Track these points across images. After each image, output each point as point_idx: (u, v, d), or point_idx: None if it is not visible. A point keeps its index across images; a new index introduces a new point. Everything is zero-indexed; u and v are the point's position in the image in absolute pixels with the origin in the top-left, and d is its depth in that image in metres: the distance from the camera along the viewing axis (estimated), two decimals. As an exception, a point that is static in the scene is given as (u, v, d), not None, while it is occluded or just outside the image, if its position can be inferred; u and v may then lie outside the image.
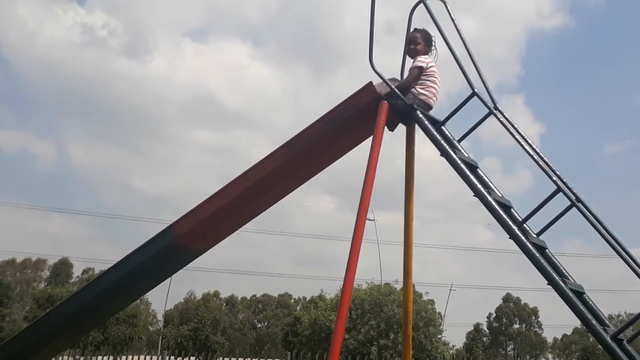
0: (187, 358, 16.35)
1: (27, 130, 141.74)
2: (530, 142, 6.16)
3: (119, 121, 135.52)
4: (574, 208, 5.61)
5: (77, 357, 17.32)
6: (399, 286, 16.82)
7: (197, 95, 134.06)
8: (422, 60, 6.68)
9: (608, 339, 5.05)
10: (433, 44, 6.86)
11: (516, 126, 6.26)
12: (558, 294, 5.24)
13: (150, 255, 7.25)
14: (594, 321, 5.18)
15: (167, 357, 15.71)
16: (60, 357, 16.26)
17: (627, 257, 5.57)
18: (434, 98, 6.68)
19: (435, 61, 6.81)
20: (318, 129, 6.69)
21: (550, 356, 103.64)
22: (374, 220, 60.44)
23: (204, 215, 7.06)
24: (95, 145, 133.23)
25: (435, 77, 6.71)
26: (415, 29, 6.92)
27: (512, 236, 5.53)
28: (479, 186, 5.86)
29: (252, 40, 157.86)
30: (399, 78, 6.85)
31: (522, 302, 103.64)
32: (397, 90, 6.33)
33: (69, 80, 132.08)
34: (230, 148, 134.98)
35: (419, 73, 6.61)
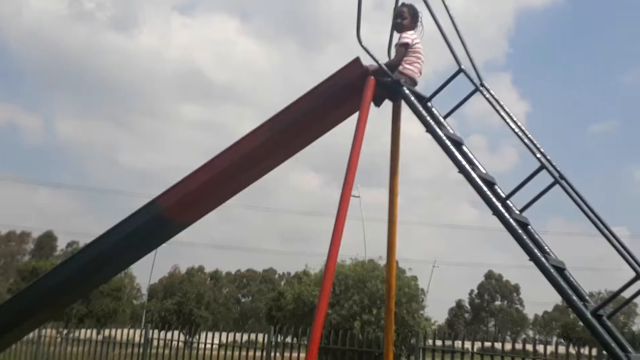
0: (171, 332, 16.35)
1: (13, 103, 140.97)
2: (515, 119, 6.19)
3: (107, 95, 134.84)
4: (558, 185, 5.65)
5: (61, 329, 17.33)
6: (382, 262, 16.87)
7: (185, 70, 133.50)
8: (408, 37, 6.68)
9: (588, 314, 5.11)
10: (419, 19, 6.85)
11: (502, 104, 6.29)
12: (539, 269, 5.29)
13: (135, 228, 7.26)
14: (574, 297, 5.23)
15: (151, 331, 15.74)
16: (44, 330, 16.28)
17: (610, 235, 5.62)
18: (419, 74, 6.69)
19: (421, 37, 6.81)
20: (304, 104, 6.69)
21: (531, 332, 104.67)
22: (359, 196, 60.66)
23: (189, 189, 7.07)
24: (82, 119, 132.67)
25: (420, 53, 6.72)
26: (403, 4, 6.92)
27: (495, 212, 5.56)
28: (464, 162, 5.88)
29: (240, 15, 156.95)
30: (387, 54, 6.85)
31: (504, 279, 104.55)
32: (384, 66, 6.32)
33: (57, 53, 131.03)
34: (218, 123, 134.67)
35: (405, 50, 6.62)
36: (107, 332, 18.31)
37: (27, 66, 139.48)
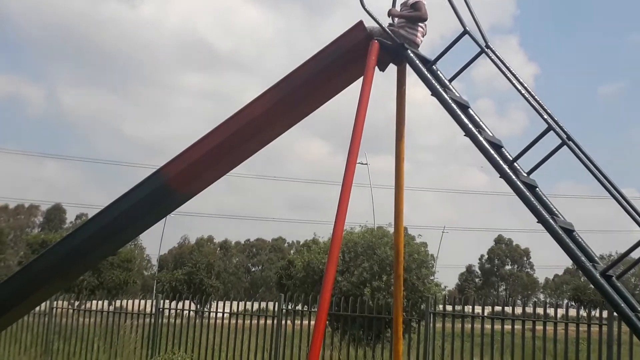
0: (182, 301, 16.43)
1: (16, 75, 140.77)
2: (521, 80, 6.11)
3: (110, 65, 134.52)
4: (566, 147, 5.59)
5: (72, 301, 17.44)
6: (392, 229, 16.90)
7: (188, 39, 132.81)
8: None
9: (597, 275, 5.08)
10: None
11: (508, 65, 6.20)
12: (547, 231, 5.25)
13: (141, 199, 7.24)
14: (583, 258, 5.20)
15: (162, 301, 15.81)
16: (55, 301, 16.37)
17: (619, 196, 5.57)
18: (421, 37, 6.60)
19: None
20: (308, 69, 6.62)
21: (541, 296, 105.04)
22: (366, 164, 60.52)
23: (193, 158, 7.03)
24: (86, 90, 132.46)
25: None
26: None
27: (503, 175, 5.52)
28: (470, 125, 5.82)
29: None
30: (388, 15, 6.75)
31: (514, 244, 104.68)
32: (387, 29, 6.24)
33: (59, 24, 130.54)
34: (223, 92, 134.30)
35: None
36: (118, 303, 18.43)
37: (29, 37, 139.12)
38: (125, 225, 7.61)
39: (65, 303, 16.84)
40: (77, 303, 17.32)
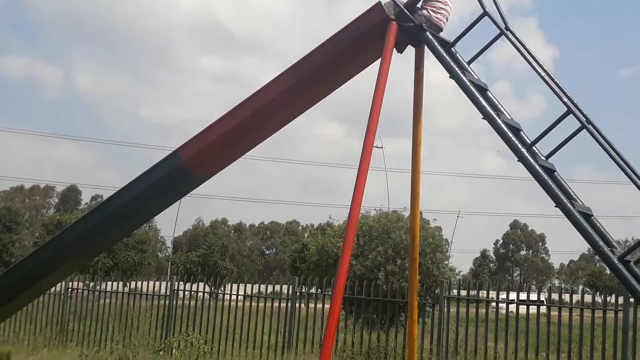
0: (196, 283, 16.50)
1: (32, 57, 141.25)
2: (541, 63, 6.03)
3: (126, 47, 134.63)
4: (585, 130, 5.52)
5: (87, 282, 17.55)
6: (407, 213, 16.83)
7: (204, 21, 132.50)
8: None
9: (615, 260, 5.03)
10: None
11: (527, 48, 6.12)
12: (565, 215, 5.20)
13: (157, 180, 7.24)
14: (600, 242, 5.14)
15: (177, 282, 15.88)
16: (71, 282, 16.49)
17: (638, 180, 5.50)
18: (445, 20, 6.52)
19: None
20: (326, 51, 6.57)
21: (556, 281, 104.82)
22: (382, 147, 60.44)
23: (209, 140, 7.01)
24: (102, 72, 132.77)
25: None
26: None
27: (521, 158, 5.47)
28: (488, 108, 5.77)
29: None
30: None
31: (530, 229, 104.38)
32: (406, 10, 6.18)
33: (74, 4, 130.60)
34: (239, 75, 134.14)
35: None
36: (133, 284, 18.52)
37: (44, 18, 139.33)
38: (142, 207, 7.62)
39: (81, 284, 16.96)
40: (92, 284, 17.43)
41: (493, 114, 5.73)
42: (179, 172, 7.20)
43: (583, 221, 5.18)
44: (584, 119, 5.60)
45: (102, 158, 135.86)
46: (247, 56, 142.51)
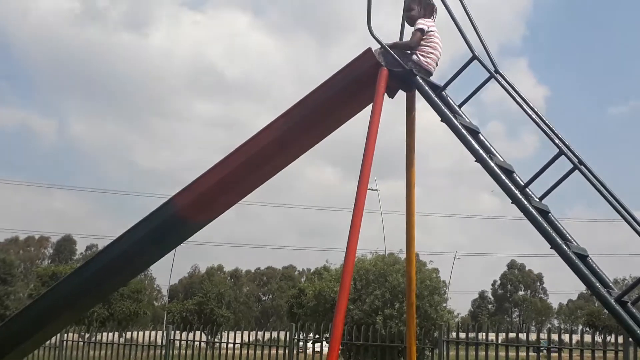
0: (193, 332, 16.37)
1: (27, 107, 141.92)
2: (531, 105, 6.09)
3: (120, 96, 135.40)
4: (577, 171, 5.55)
5: (83, 333, 17.39)
6: (403, 256, 16.80)
7: (198, 68, 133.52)
8: (423, 23, 6.55)
9: (612, 301, 5.01)
10: (433, 8, 6.73)
11: (517, 90, 6.19)
12: (561, 257, 5.20)
13: (152, 229, 7.23)
14: (597, 284, 5.14)
15: (173, 332, 15.75)
16: (66, 334, 16.33)
17: (632, 219, 5.52)
18: (434, 64, 6.58)
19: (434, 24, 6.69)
20: (317, 97, 6.62)
21: (555, 322, 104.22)
22: (376, 190, 60.51)
23: (204, 187, 7.02)
24: (96, 120, 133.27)
25: (436, 43, 6.59)
26: None
27: (515, 200, 5.48)
28: (481, 151, 5.80)
29: (253, 10, 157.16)
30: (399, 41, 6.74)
31: (527, 269, 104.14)
32: (396, 56, 6.24)
33: (69, 55, 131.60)
34: (233, 120, 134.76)
35: (421, 36, 6.50)
36: (129, 334, 18.36)
37: (39, 68, 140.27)
38: (137, 256, 7.59)
39: (76, 335, 16.80)
40: (87, 335, 17.27)
41: (485, 156, 5.75)
42: (175, 220, 7.19)
43: (579, 263, 5.17)
44: (576, 160, 5.63)
45: (96, 207, 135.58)
46: (241, 101, 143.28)
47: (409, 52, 6.48)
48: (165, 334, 15.60)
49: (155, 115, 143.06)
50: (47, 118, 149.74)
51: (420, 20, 6.58)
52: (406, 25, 6.84)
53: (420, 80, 6.21)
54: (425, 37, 6.51)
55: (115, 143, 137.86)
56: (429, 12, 6.73)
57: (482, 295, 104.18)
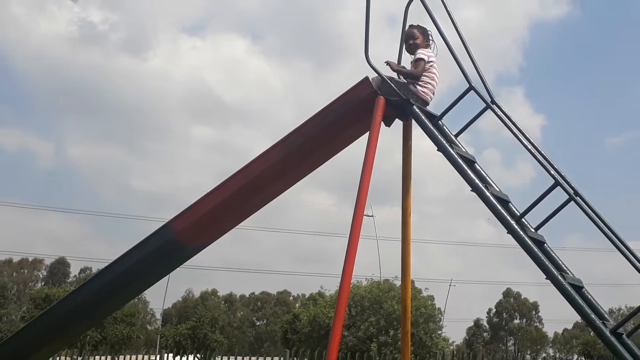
0: (186, 356, 16.31)
1: (24, 129, 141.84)
2: (527, 135, 6.13)
3: (117, 119, 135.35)
4: (573, 202, 5.58)
5: (75, 357, 17.29)
6: (398, 282, 16.82)
7: (196, 92, 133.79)
8: (424, 53, 6.61)
9: (607, 333, 5.02)
10: (431, 37, 6.80)
11: (514, 120, 6.23)
12: (556, 288, 5.22)
13: (148, 253, 7.21)
14: (593, 315, 5.15)
15: (166, 356, 15.69)
16: (58, 358, 16.23)
17: (627, 251, 5.54)
18: (431, 94, 6.62)
19: (435, 55, 6.74)
20: (314, 125, 6.66)
21: (551, 351, 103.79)
22: (372, 216, 60.39)
23: (201, 212, 7.03)
24: (93, 143, 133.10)
25: (434, 73, 6.64)
26: (411, 25, 6.89)
27: (510, 231, 5.50)
28: (477, 181, 5.83)
29: (251, 35, 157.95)
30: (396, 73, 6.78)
31: (522, 297, 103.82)
32: (393, 85, 6.28)
33: (67, 78, 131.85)
34: (230, 145, 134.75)
35: (424, 65, 6.55)
36: (121, 358, 18.25)
37: (35, 91, 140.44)
38: (133, 281, 7.57)
39: (69, 359, 16.71)
40: (80, 359, 17.16)
41: (481, 186, 5.78)
42: (171, 244, 7.19)
43: (574, 294, 5.19)
44: (571, 191, 5.67)
45: (92, 230, 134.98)
46: (238, 125, 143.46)
47: (406, 81, 6.54)
48: (158, 358, 15.52)
49: (153, 138, 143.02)
50: (44, 140, 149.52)
51: (420, 50, 6.64)
52: (404, 53, 6.91)
53: (417, 110, 6.26)
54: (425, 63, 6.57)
55: (112, 166, 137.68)
56: (427, 40, 6.80)
57: (477, 323, 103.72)
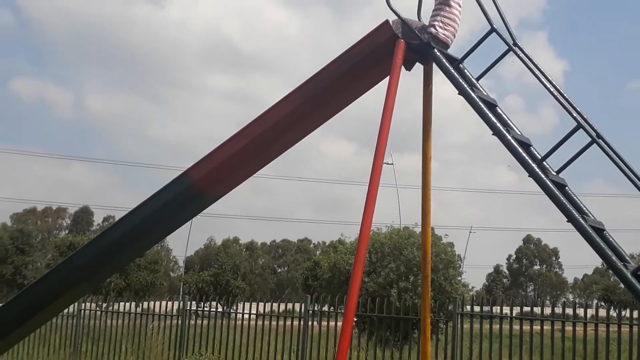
0: (209, 303, 16.50)
1: (44, 78, 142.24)
2: (550, 78, 6.03)
3: (135, 68, 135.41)
4: (595, 145, 5.52)
5: (100, 302, 17.57)
6: (418, 230, 16.81)
7: (214, 41, 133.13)
8: None
9: (628, 274, 5.00)
10: None
11: (536, 63, 6.13)
12: (577, 230, 5.18)
13: (167, 201, 7.24)
14: (614, 257, 5.12)
15: (189, 302, 15.88)
16: (84, 303, 16.50)
17: (649, 194, 5.49)
18: (452, 37, 6.50)
19: None
20: (333, 70, 6.58)
21: (570, 296, 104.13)
22: (392, 164, 60.42)
23: (220, 160, 7.02)
24: (112, 92, 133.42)
25: (456, 15, 6.50)
26: None
27: (531, 174, 5.46)
28: (498, 124, 5.76)
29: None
30: (417, 15, 6.66)
31: (543, 243, 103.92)
32: (413, 27, 6.19)
33: (85, 26, 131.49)
34: (249, 93, 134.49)
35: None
36: (145, 304, 18.52)
37: (54, 41, 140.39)
38: (153, 228, 7.63)
39: (93, 305, 16.98)
40: (104, 305, 17.44)
41: (503, 129, 5.72)
42: (190, 192, 7.21)
43: (595, 236, 5.16)
44: (594, 134, 5.59)
45: (114, 179, 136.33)
46: (256, 74, 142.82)
47: (426, 23, 6.43)
48: (181, 304, 15.73)
49: (171, 87, 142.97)
50: (64, 89, 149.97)
51: None
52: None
53: (438, 53, 6.17)
54: (446, 7, 6.43)
55: (132, 115, 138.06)
56: None
57: (497, 269, 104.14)
